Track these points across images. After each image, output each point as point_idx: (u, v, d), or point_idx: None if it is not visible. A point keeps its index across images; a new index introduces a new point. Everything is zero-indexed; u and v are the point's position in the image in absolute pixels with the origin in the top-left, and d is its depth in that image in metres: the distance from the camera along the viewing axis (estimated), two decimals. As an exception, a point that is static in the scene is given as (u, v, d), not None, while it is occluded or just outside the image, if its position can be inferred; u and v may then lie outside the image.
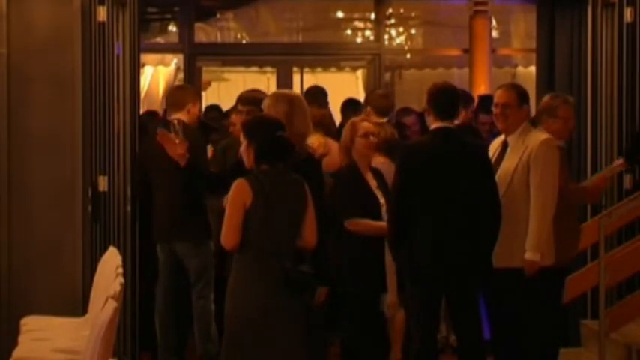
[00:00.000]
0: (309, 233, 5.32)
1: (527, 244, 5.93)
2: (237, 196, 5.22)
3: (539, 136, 6.12)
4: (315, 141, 6.92)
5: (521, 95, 6.20)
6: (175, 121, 5.64)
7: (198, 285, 7.05)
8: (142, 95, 10.63)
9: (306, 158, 5.69)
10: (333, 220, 6.21)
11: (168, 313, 7.15)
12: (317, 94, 8.36)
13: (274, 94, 5.99)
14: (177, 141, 5.49)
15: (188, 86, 7.87)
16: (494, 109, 6.26)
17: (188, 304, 7.16)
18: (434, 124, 5.93)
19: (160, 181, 7.03)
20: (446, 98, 5.95)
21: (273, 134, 5.26)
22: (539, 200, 5.94)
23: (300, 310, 5.27)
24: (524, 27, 13.08)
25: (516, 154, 6.05)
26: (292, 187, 5.32)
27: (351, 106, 8.64)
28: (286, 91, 6.43)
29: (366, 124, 6.53)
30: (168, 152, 5.66)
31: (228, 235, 5.20)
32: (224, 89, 13.57)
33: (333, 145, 7.02)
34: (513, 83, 6.62)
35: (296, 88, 12.62)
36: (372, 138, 6.49)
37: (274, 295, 5.18)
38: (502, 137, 6.24)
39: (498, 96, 6.25)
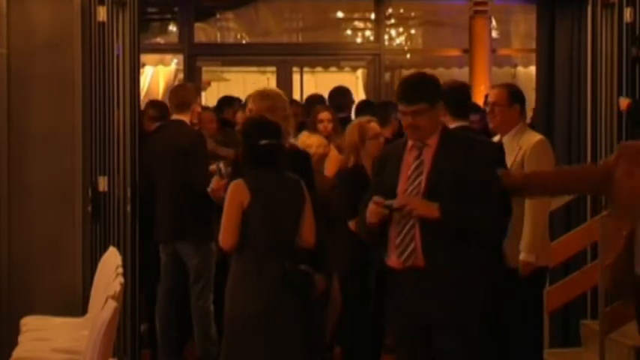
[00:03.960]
0: (308, 232, 5.33)
1: (522, 245, 5.93)
2: (235, 196, 5.22)
3: (533, 136, 6.13)
4: (315, 141, 6.94)
5: (513, 95, 6.19)
6: (222, 165, 5.82)
7: (198, 285, 7.05)
8: (142, 95, 10.63)
9: (294, 153, 5.73)
10: (334, 220, 6.21)
11: (170, 313, 7.15)
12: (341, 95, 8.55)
13: (260, 93, 6.01)
14: (221, 183, 5.71)
15: (189, 85, 7.86)
16: (487, 108, 6.32)
17: (189, 305, 7.15)
18: (452, 124, 5.94)
19: (162, 182, 7.04)
20: (459, 96, 6.02)
21: (258, 141, 5.27)
22: (534, 201, 5.94)
23: (299, 310, 5.27)
24: (524, 27, 13.08)
25: (511, 154, 6.05)
26: (289, 186, 5.33)
27: (366, 107, 8.68)
28: (271, 89, 6.42)
29: (373, 125, 6.51)
30: (211, 192, 5.85)
31: (226, 235, 5.21)
32: (224, 89, 13.58)
33: (332, 150, 7.05)
34: (507, 83, 6.63)
35: (296, 88, 12.65)
36: (381, 138, 6.48)
37: (274, 294, 5.18)
38: (497, 137, 6.25)
39: (490, 95, 6.32)
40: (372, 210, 4.83)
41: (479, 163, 4.88)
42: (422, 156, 4.89)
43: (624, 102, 7.24)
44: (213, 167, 6.54)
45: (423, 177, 4.85)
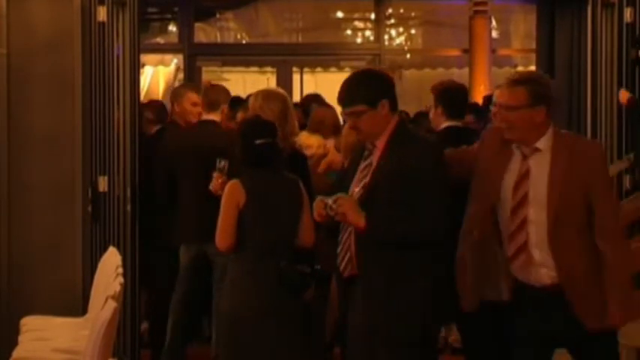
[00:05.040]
0: (307, 232, 5.32)
1: None
2: (231, 196, 5.23)
3: None
4: (313, 141, 6.94)
5: None
6: (224, 163, 5.84)
7: (223, 283, 6.97)
8: (142, 95, 10.62)
9: (291, 154, 5.74)
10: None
11: (185, 315, 7.08)
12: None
13: (263, 93, 6.03)
14: (219, 180, 5.72)
15: (220, 85, 7.75)
16: (492, 108, 6.28)
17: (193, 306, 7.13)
18: (444, 123, 5.93)
19: (187, 180, 6.95)
20: (458, 96, 5.98)
21: (253, 142, 5.27)
22: None
23: (298, 310, 5.27)
24: (524, 27, 13.09)
25: None
26: (287, 186, 5.33)
27: None
28: (275, 89, 6.46)
29: None
30: (212, 189, 5.88)
31: (222, 236, 5.21)
32: (224, 89, 13.56)
33: (330, 144, 7.05)
34: None
35: (296, 89, 12.65)
36: None
37: (271, 295, 5.18)
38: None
39: (497, 95, 6.27)
40: (314, 208, 4.65)
41: (417, 169, 4.52)
42: (371, 157, 4.69)
43: (624, 95, 7.23)
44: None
45: (367, 180, 4.65)
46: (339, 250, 4.73)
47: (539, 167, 4.50)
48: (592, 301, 4.50)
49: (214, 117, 7.05)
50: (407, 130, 4.75)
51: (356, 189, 4.67)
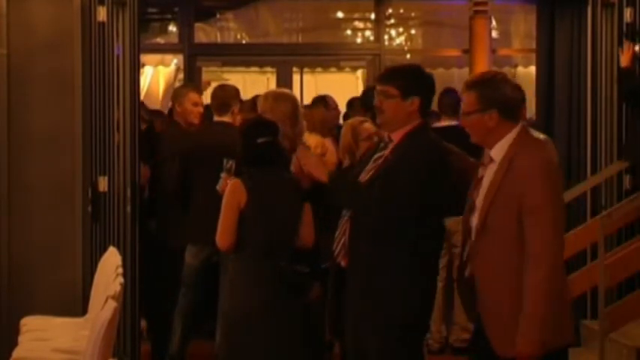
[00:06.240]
0: (307, 232, 5.33)
1: None
2: (232, 196, 5.23)
3: (536, 135, 6.10)
4: (312, 141, 6.94)
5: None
6: (232, 163, 5.85)
7: None
8: (142, 95, 10.62)
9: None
10: (331, 218, 6.21)
11: (192, 319, 7.04)
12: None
13: (273, 94, 6.04)
14: (228, 181, 5.73)
15: (229, 85, 7.69)
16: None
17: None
18: None
19: (203, 181, 6.92)
20: None
21: (255, 141, 5.27)
22: None
23: (297, 310, 5.27)
24: (524, 27, 13.08)
25: None
26: (288, 186, 5.33)
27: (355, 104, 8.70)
28: (284, 90, 6.46)
29: (366, 126, 6.51)
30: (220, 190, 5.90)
31: (223, 235, 5.22)
32: (224, 89, 13.54)
33: (329, 144, 7.06)
34: None
35: (296, 88, 12.64)
36: (375, 139, 6.48)
37: (271, 294, 5.18)
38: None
39: None
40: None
41: (405, 170, 4.65)
42: (384, 151, 4.80)
43: (628, 55, 7.06)
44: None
45: (373, 172, 4.76)
46: (336, 234, 4.84)
47: (488, 177, 4.31)
48: (501, 325, 4.20)
49: (226, 119, 7.00)
50: (425, 134, 4.81)
51: (364, 177, 4.79)
